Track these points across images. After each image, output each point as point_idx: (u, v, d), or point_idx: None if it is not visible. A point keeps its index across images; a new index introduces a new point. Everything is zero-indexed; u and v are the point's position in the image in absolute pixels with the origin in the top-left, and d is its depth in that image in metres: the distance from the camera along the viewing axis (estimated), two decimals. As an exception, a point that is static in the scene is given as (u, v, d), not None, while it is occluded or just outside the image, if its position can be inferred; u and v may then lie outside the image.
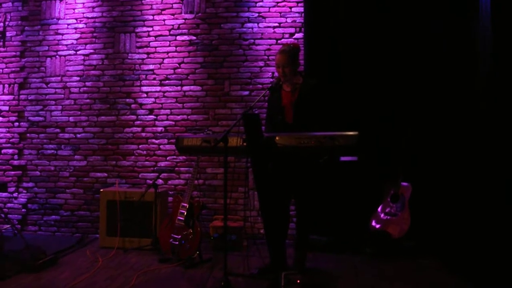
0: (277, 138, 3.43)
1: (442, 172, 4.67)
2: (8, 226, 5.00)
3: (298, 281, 3.18)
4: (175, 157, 5.38)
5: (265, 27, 5.27)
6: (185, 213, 4.28)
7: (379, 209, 4.69)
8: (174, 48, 5.42)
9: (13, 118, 5.68)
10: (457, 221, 4.52)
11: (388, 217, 4.58)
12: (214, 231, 4.78)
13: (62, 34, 5.63)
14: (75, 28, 5.61)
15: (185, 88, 5.39)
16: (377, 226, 4.60)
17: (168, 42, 5.44)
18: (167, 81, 5.42)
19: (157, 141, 5.43)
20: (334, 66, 4.96)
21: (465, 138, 4.61)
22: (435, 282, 3.73)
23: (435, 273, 3.97)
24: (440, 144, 4.72)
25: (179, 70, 5.40)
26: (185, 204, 4.32)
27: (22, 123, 5.67)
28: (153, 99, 5.43)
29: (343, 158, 4.61)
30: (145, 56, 5.47)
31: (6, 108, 5.70)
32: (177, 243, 4.24)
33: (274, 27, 5.26)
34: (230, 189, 4.94)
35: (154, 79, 5.44)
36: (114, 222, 4.82)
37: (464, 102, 4.68)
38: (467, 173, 4.52)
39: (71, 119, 5.58)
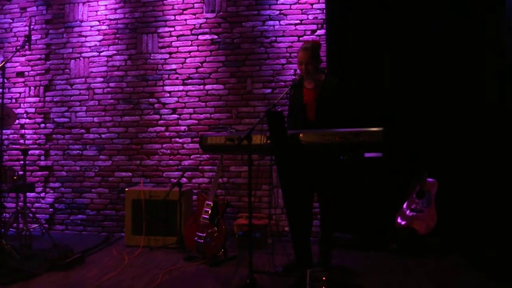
0: (301, 135, 3.41)
1: (469, 168, 4.61)
2: (36, 225, 5.08)
3: (324, 278, 3.15)
4: (198, 155, 5.41)
5: (286, 24, 5.26)
6: (210, 211, 4.29)
7: (404, 205, 4.64)
8: (196, 47, 5.45)
9: (39, 120, 5.78)
10: (484, 218, 4.45)
11: (414, 214, 4.54)
12: (239, 229, 4.79)
13: (86, 36, 5.71)
14: (98, 30, 5.68)
15: (207, 87, 5.41)
16: (403, 222, 4.55)
17: (190, 41, 5.47)
18: (189, 80, 5.45)
19: (180, 140, 5.46)
20: (356, 62, 4.93)
21: (494, 134, 4.54)
22: (462, 280, 3.67)
23: (462, 271, 3.91)
24: (467, 141, 4.66)
25: (202, 69, 5.43)
26: (209, 202, 4.33)
27: (48, 125, 5.77)
28: (176, 99, 5.47)
29: (367, 155, 4.57)
30: (167, 56, 5.50)
31: (32, 110, 5.81)
32: (202, 241, 4.26)
33: (295, 24, 5.25)
34: (254, 187, 4.97)
35: (177, 78, 5.48)
36: (140, 221, 4.86)
37: (491, 99, 4.61)
38: (495, 170, 4.45)
39: (95, 119, 5.65)
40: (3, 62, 4.40)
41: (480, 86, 4.67)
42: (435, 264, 4.09)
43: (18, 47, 4.78)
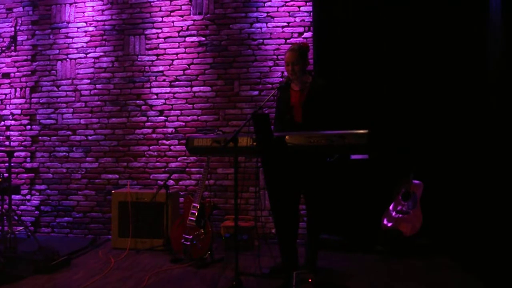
0: (287, 137, 3.42)
1: (455, 169, 4.64)
2: (22, 228, 5.03)
3: (310, 280, 3.16)
4: (185, 157, 5.39)
5: (273, 26, 5.28)
6: (196, 214, 4.29)
7: (390, 207, 4.67)
8: (184, 49, 5.44)
9: (25, 121, 5.74)
10: (470, 219, 4.48)
11: (400, 215, 4.57)
12: (226, 231, 4.79)
13: (72, 38, 5.68)
14: (85, 31, 5.65)
15: (194, 89, 5.41)
16: (389, 224, 4.58)
17: (177, 43, 5.46)
18: (176, 82, 5.44)
19: (167, 142, 5.45)
20: (343, 64, 4.95)
21: (479, 136, 4.57)
22: (448, 281, 3.70)
23: (448, 271, 3.95)
24: (453, 141, 4.69)
25: (189, 71, 5.42)
26: (196, 205, 4.33)
27: (34, 126, 5.72)
28: (163, 101, 5.46)
29: (353, 157, 4.60)
30: (154, 58, 5.49)
31: (18, 111, 5.76)
32: (188, 243, 4.25)
33: (283, 27, 5.26)
34: (241, 189, 4.97)
35: (164, 80, 5.47)
36: (126, 223, 4.84)
37: (476, 100, 4.64)
38: (480, 171, 4.48)
39: (82, 121, 5.62)
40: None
41: (465, 88, 4.70)
42: (422, 266, 4.12)
43: (4, 48, 4.74)
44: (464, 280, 3.72)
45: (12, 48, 5.22)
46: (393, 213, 4.61)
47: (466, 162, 4.61)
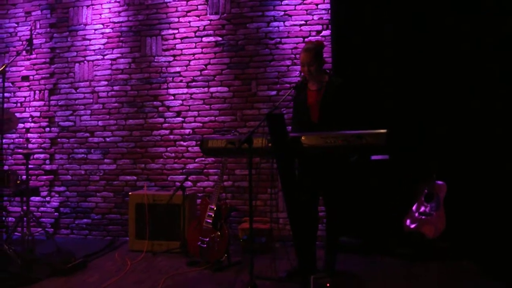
0: (303, 138, 3.33)
1: (479, 170, 4.49)
2: (41, 229, 5.05)
3: (328, 285, 3.08)
4: (203, 159, 5.34)
5: (291, 25, 5.19)
6: (213, 216, 4.24)
7: (413, 208, 4.54)
8: (200, 49, 5.40)
9: (44, 124, 5.77)
10: (493, 222, 4.33)
11: (423, 217, 4.44)
12: (243, 233, 4.72)
13: (90, 40, 5.69)
14: (102, 33, 5.65)
15: (212, 89, 5.35)
16: (412, 226, 4.46)
17: (194, 44, 5.41)
18: (194, 83, 5.40)
19: (185, 143, 5.41)
20: (362, 62, 4.85)
21: (504, 136, 4.42)
22: (470, 286, 3.57)
23: (470, 276, 3.81)
24: (477, 141, 4.55)
25: (206, 71, 5.37)
26: (212, 207, 4.27)
27: (53, 129, 5.75)
28: (180, 101, 5.42)
29: (374, 157, 4.49)
30: (171, 58, 5.46)
31: (37, 114, 5.79)
32: (205, 246, 4.20)
33: (300, 25, 5.17)
34: (258, 190, 4.90)
35: (181, 81, 5.43)
36: (143, 225, 4.82)
37: (503, 98, 4.49)
38: (505, 173, 4.33)
39: (100, 123, 5.62)
40: (3, 67, 4.39)
41: (489, 86, 4.55)
42: (444, 270, 4.00)
43: (20, 51, 4.77)
44: (488, 285, 3.58)
45: (28, 50, 5.24)
46: (416, 214, 4.49)
47: (492, 162, 4.46)
